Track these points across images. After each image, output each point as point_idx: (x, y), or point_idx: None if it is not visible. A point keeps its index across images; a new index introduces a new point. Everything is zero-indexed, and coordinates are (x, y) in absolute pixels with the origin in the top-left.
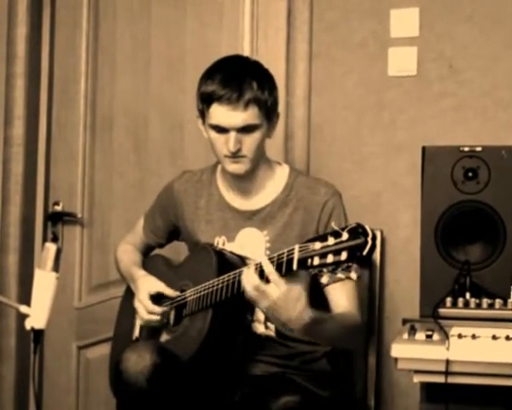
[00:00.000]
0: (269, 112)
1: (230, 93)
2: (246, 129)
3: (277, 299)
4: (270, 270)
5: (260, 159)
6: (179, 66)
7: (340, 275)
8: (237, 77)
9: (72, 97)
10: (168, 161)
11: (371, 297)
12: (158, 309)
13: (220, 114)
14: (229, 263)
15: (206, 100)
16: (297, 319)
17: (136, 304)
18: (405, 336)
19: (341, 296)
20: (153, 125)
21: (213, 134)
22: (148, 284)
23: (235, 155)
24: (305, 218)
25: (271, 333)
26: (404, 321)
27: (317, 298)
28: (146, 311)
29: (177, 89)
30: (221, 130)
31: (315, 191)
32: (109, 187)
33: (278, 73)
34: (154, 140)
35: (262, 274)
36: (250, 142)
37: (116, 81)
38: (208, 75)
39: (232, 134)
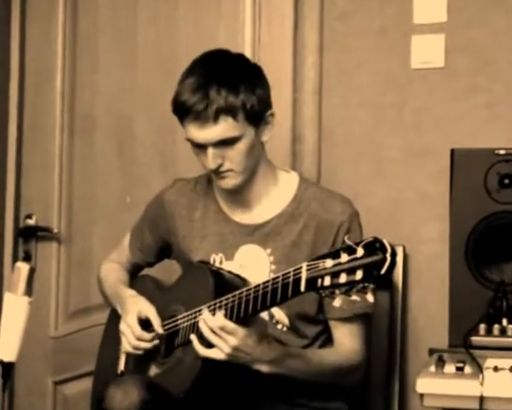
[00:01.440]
0: (253, 116)
1: (196, 105)
2: (224, 142)
3: (238, 346)
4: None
5: (257, 167)
6: (170, 59)
7: (354, 297)
8: (203, 84)
9: (47, 96)
10: (158, 168)
11: (392, 324)
12: (147, 335)
13: (191, 130)
14: (229, 285)
15: (179, 112)
16: (260, 358)
17: (123, 328)
18: (432, 368)
19: (344, 334)
20: (140, 127)
21: (194, 149)
22: (138, 306)
23: (219, 171)
24: (317, 238)
25: None
26: (431, 351)
27: None
28: (133, 336)
29: (168, 86)
30: (198, 145)
31: (329, 208)
32: (90, 198)
33: (284, 66)
34: (141, 144)
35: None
36: (233, 155)
37: (98, 77)
38: (182, 78)
39: (209, 151)
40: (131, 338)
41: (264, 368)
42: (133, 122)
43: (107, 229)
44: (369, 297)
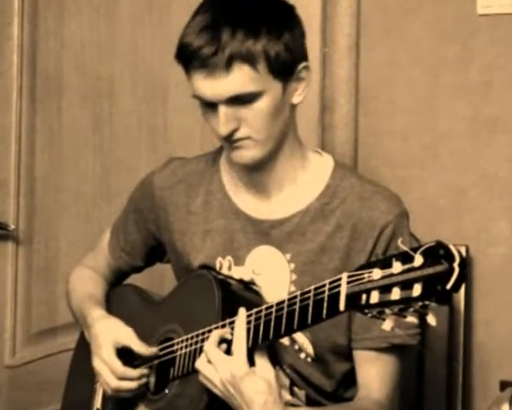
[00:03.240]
0: (278, 67)
1: (204, 48)
2: (240, 99)
3: (224, 381)
4: (238, 335)
5: (283, 139)
6: (162, 3)
7: (410, 319)
8: (214, 24)
9: (2, 50)
10: (145, 145)
11: (452, 349)
12: (133, 373)
13: (197, 81)
14: (240, 299)
15: (182, 58)
16: None
17: (98, 366)
18: (505, 406)
19: (372, 375)
20: (122, 91)
21: (203, 109)
22: (112, 334)
23: (233, 139)
24: (352, 243)
25: (299, 403)
26: (503, 385)
27: None
28: (114, 376)
29: (159, 38)
30: (207, 104)
31: (372, 206)
32: (57, 185)
33: (310, 11)
34: (123, 114)
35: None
36: (252, 116)
37: (66, 26)
38: (191, 17)
39: (221, 110)
40: (111, 379)
41: None
42: (113, 85)
43: (80, 225)
44: (431, 320)
